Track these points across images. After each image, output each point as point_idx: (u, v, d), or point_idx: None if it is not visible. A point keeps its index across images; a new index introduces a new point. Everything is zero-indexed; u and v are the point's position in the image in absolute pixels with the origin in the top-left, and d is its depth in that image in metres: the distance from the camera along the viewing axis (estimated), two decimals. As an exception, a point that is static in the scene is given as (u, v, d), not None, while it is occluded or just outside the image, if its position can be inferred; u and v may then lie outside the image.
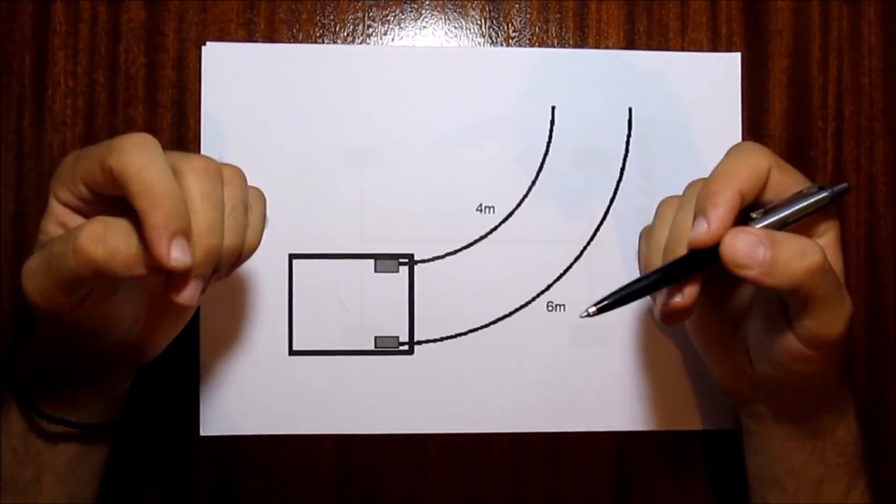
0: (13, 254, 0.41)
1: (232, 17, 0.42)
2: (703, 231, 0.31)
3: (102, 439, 0.36)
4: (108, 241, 0.28)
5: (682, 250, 0.33)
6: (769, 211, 0.33)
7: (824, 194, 0.33)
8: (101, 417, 0.36)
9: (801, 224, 0.33)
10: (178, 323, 0.36)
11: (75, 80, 0.42)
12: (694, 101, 0.43)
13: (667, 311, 0.33)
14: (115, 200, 0.30)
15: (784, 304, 0.33)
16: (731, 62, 0.44)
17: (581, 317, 0.33)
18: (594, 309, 0.32)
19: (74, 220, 0.31)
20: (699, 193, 0.33)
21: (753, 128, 0.44)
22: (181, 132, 0.42)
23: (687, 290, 0.32)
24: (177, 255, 0.28)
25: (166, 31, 0.42)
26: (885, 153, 0.44)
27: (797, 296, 0.31)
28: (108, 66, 0.42)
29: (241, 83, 0.42)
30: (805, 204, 0.33)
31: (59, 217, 0.31)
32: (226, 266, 0.31)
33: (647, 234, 0.36)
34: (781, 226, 0.33)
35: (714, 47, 0.44)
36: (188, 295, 0.29)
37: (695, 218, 0.32)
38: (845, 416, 0.36)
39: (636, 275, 0.43)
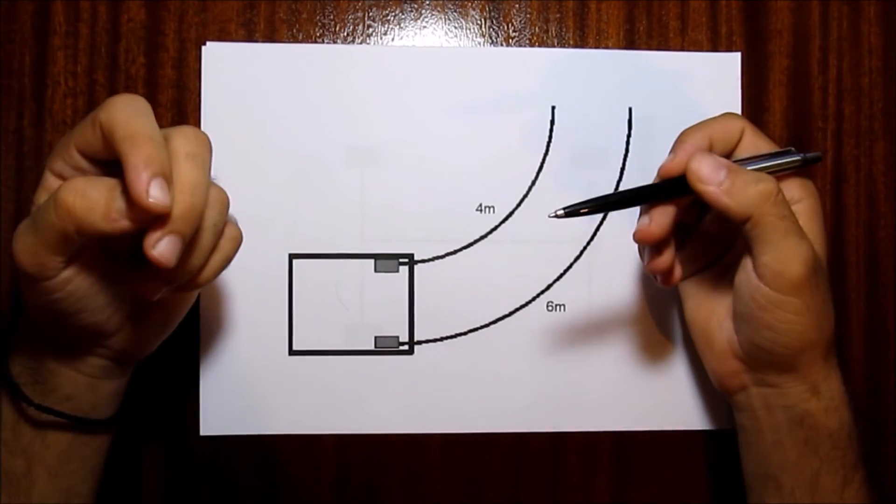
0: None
1: (232, 16, 0.42)
2: (669, 160, 0.35)
3: (96, 434, 0.36)
4: (87, 193, 0.28)
5: None
6: (738, 162, 0.35)
7: (796, 157, 0.36)
8: (94, 411, 0.35)
9: None
10: (167, 320, 0.36)
11: (75, 80, 0.42)
12: (694, 101, 0.43)
13: (638, 231, 0.35)
14: (109, 169, 0.30)
15: (749, 251, 0.34)
16: (731, 62, 0.44)
17: (549, 217, 0.34)
18: (562, 211, 0.35)
19: (82, 163, 0.31)
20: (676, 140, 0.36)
21: (753, 128, 0.44)
22: (181, 132, 0.42)
23: (655, 217, 0.35)
24: (155, 192, 0.27)
25: (166, 31, 0.42)
26: (885, 153, 0.44)
27: (751, 224, 0.33)
28: (108, 66, 0.42)
29: (241, 83, 0.42)
30: (775, 162, 0.36)
31: (52, 187, 0.31)
32: (201, 255, 0.31)
33: None
34: None
35: (714, 47, 0.44)
36: (163, 249, 0.29)
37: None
38: (838, 405, 0.36)
39: (637, 275, 0.43)
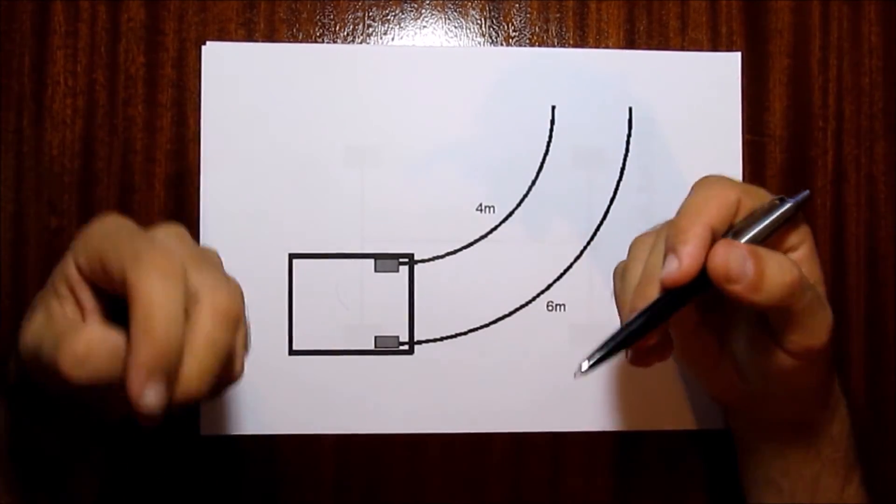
0: (13, 254, 0.41)
1: (232, 16, 0.42)
2: (674, 269, 0.30)
3: (96, 442, 0.36)
4: (88, 365, 0.26)
5: (653, 290, 0.32)
6: (738, 233, 0.32)
7: (788, 205, 0.33)
8: (95, 422, 0.35)
9: (774, 239, 0.33)
10: None
11: (75, 80, 0.42)
12: (694, 101, 0.43)
13: (634, 357, 0.33)
14: None
15: (764, 321, 0.33)
16: (731, 62, 0.44)
17: (576, 377, 0.31)
18: (587, 365, 0.31)
19: (83, 290, 0.29)
20: (668, 232, 0.32)
21: (753, 128, 0.44)
22: (181, 132, 0.42)
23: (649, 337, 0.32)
24: (149, 401, 0.25)
25: (166, 31, 0.42)
26: (885, 153, 0.44)
27: (780, 311, 0.31)
28: (107, 66, 0.42)
29: (241, 83, 0.42)
30: (771, 220, 0.32)
31: (71, 280, 0.29)
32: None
33: (621, 273, 0.35)
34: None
35: (714, 47, 0.44)
36: (150, 418, 0.26)
37: (665, 256, 0.31)
38: (838, 411, 0.36)
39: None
